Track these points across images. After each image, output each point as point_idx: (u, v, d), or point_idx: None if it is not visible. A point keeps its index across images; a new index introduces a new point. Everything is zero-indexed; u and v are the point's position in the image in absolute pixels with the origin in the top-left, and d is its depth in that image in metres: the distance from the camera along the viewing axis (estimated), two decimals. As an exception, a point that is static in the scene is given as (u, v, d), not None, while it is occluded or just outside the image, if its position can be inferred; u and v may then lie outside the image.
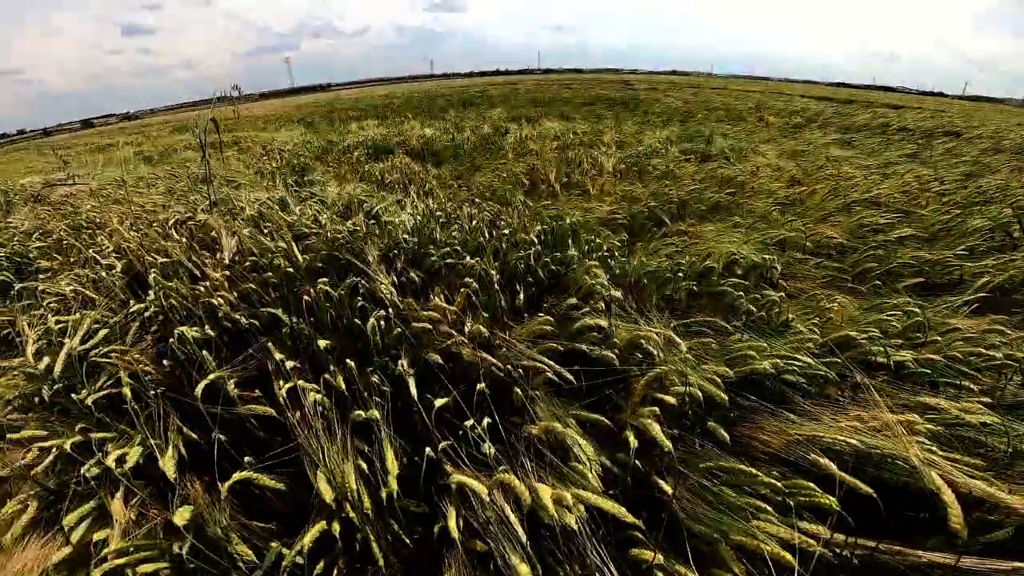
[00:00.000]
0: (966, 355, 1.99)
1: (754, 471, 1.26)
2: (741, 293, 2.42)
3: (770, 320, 2.31)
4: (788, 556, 1.02)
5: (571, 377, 1.66)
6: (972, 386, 1.77)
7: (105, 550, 1.32)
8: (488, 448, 1.40)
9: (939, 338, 2.16)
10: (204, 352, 1.83)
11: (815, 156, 7.04)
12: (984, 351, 1.98)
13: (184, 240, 3.21)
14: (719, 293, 2.49)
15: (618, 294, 2.14)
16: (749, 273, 2.87)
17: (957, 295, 2.71)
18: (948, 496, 1.01)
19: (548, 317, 1.90)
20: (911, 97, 31.72)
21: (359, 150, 8.45)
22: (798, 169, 6.00)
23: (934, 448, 1.31)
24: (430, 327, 1.89)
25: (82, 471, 1.56)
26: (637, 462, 1.40)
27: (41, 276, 3.12)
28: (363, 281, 2.30)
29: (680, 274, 2.60)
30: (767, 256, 3.00)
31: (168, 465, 1.50)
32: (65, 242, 3.61)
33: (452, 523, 1.14)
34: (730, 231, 3.72)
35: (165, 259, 2.76)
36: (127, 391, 1.65)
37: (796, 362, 1.80)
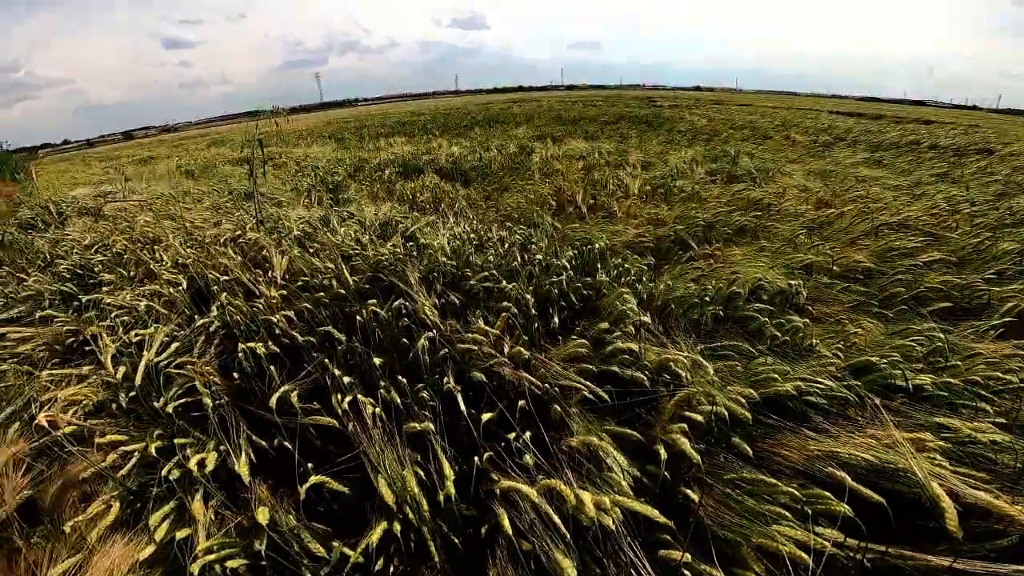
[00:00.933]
0: (985, 379, 2.07)
1: (775, 481, 1.39)
2: (766, 319, 2.51)
3: (794, 344, 2.40)
4: (804, 555, 1.15)
5: (605, 395, 1.80)
6: (988, 408, 1.86)
7: (198, 547, 1.47)
8: (529, 458, 1.54)
9: (959, 363, 2.24)
10: (272, 367, 2.01)
11: (843, 176, 7.02)
12: (1002, 375, 2.06)
13: (239, 258, 3.43)
14: (745, 318, 2.58)
15: (647, 319, 2.27)
16: (775, 298, 2.93)
17: (984, 320, 2.76)
18: (946, 502, 1.13)
19: (583, 340, 2.04)
20: (943, 111, 31.07)
21: (390, 168, 8.68)
22: (826, 190, 6.00)
23: (943, 463, 1.42)
24: (475, 347, 2.06)
25: (163, 473, 1.72)
26: (665, 473, 1.53)
27: (105, 289, 3.31)
28: (406, 302, 2.47)
29: (706, 299, 2.69)
30: (793, 281, 3.05)
31: (243, 469, 1.68)
32: (125, 256, 3.83)
33: (505, 522, 1.29)
34: (756, 255, 3.79)
35: (225, 276, 2.98)
36: (208, 400, 1.84)
37: (818, 385, 1.91)
